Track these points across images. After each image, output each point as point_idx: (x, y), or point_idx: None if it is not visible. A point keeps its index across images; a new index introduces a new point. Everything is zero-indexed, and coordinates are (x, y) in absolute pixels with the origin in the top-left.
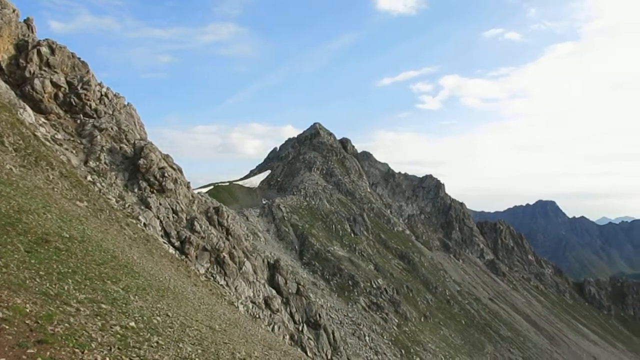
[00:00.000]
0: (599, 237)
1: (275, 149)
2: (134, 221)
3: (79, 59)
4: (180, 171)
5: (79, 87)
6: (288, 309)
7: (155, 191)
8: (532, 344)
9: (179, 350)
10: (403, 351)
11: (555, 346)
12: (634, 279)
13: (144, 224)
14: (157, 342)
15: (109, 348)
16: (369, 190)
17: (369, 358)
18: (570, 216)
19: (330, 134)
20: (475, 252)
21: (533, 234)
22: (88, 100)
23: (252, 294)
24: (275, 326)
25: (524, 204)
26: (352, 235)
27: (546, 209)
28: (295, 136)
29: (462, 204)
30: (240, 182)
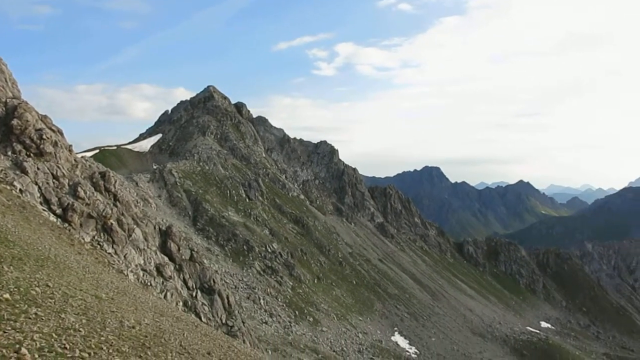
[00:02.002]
0: (477, 200)
1: (166, 111)
2: (8, 187)
3: None
4: (61, 133)
5: None
6: (181, 275)
7: (32, 155)
8: (416, 300)
9: (60, 321)
10: (297, 312)
11: (437, 301)
12: (506, 238)
13: (20, 190)
14: (36, 314)
15: None
16: (264, 155)
17: (263, 320)
18: (453, 181)
19: (225, 98)
20: (366, 215)
21: (419, 198)
22: None
23: (142, 262)
24: (168, 293)
25: (411, 170)
26: (247, 200)
27: (432, 175)
28: (188, 99)
29: (355, 169)
30: (129, 146)
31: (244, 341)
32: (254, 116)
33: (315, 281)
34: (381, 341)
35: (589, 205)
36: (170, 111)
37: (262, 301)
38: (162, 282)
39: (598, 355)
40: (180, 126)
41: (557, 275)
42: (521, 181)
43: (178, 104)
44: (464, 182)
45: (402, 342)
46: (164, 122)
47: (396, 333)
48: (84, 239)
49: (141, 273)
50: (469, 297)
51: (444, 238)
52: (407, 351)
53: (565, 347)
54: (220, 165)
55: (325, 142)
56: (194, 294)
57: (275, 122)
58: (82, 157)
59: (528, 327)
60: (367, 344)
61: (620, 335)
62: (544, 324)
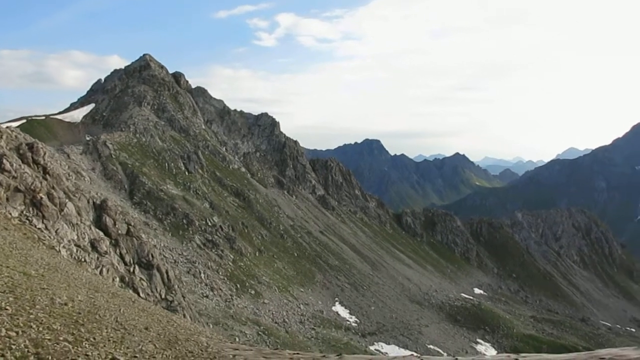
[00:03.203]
0: (415, 172)
1: (99, 80)
2: None
3: None
4: None
5: None
6: (118, 250)
7: None
8: (356, 271)
9: None
10: (239, 285)
11: (376, 271)
12: (442, 209)
13: None
14: None
15: None
16: (203, 127)
17: (204, 294)
18: (393, 154)
19: (162, 67)
20: (307, 188)
21: (360, 170)
22: None
23: (75, 237)
24: (104, 269)
25: (352, 143)
26: (187, 173)
27: (372, 147)
28: (123, 67)
29: (296, 142)
30: (59, 117)
31: (184, 315)
32: (193, 87)
33: (257, 254)
34: (322, 311)
35: (520, 177)
36: (103, 80)
37: (202, 275)
38: (97, 258)
39: (526, 318)
40: (115, 96)
41: (490, 244)
42: (457, 154)
43: (112, 72)
44: (403, 155)
45: (343, 312)
46: (97, 92)
47: (337, 303)
48: (10, 213)
49: (74, 249)
50: (407, 266)
51: (383, 210)
52: (348, 320)
53: (496, 312)
54: (157, 137)
55: (266, 114)
56: (131, 269)
57: (215, 93)
58: (7, 127)
59: (462, 294)
60: (308, 315)
61: (547, 299)
62: (477, 290)
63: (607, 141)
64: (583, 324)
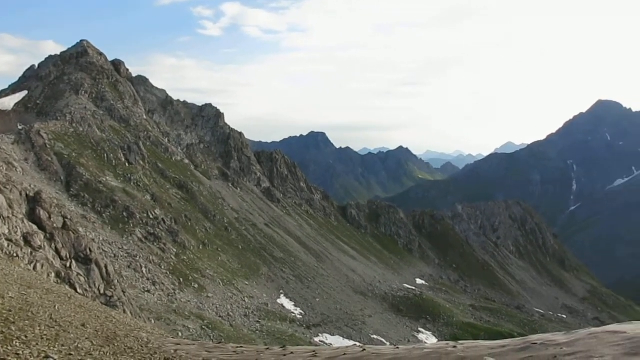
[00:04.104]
0: (360, 165)
1: (33, 66)
2: None
3: None
4: None
5: None
6: (53, 245)
7: None
8: (302, 263)
9: None
10: (182, 279)
11: (321, 263)
12: (386, 201)
13: None
14: None
15: None
16: (145, 117)
17: (146, 289)
18: (338, 146)
19: (101, 54)
20: (252, 180)
21: (306, 162)
22: None
23: (7, 231)
24: (38, 264)
25: (298, 135)
26: (127, 164)
27: (317, 140)
28: (59, 53)
29: (241, 133)
30: None
31: (124, 311)
32: (134, 75)
33: (201, 247)
34: (267, 304)
35: (460, 170)
36: (37, 66)
37: (144, 269)
38: (31, 253)
39: (465, 307)
40: (50, 83)
41: (432, 235)
42: (401, 147)
43: (47, 58)
44: (348, 148)
45: (288, 304)
46: (30, 78)
47: (282, 295)
48: None
49: (6, 243)
50: (351, 258)
51: (328, 202)
52: (293, 312)
53: (437, 301)
54: (96, 127)
55: (210, 105)
56: (67, 265)
57: (158, 82)
58: None
59: (405, 284)
60: (253, 308)
61: (485, 288)
62: (419, 281)
63: (542, 136)
64: (518, 312)
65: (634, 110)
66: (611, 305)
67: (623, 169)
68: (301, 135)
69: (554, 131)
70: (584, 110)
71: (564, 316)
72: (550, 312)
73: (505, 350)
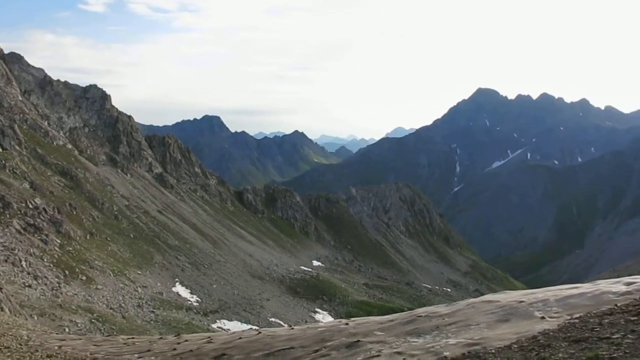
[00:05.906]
0: (256, 149)
1: None
2: None
3: None
4: None
5: None
6: None
7: None
8: (198, 250)
9: None
10: (67, 272)
11: (218, 249)
12: (283, 185)
13: None
14: None
15: None
16: (20, 98)
17: (26, 284)
18: (233, 131)
19: None
20: (143, 166)
21: (200, 147)
22: None
23: None
24: None
25: (191, 119)
26: (1, 150)
27: (212, 124)
28: None
29: (130, 116)
30: None
31: (1, 309)
32: (6, 52)
33: (88, 237)
34: (162, 293)
35: (354, 154)
36: None
37: (24, 263)
38: None
39: (359, 286)
40: None
41: (327, 218)
42: (296, 131)
43: None
44: (243, 132)
45: (184, 292)
46: None
47: (177, 284)
48: None
49: None
50: (248, 243)
51: (224, 187)
52: (189, 300)
53: (333, 281)
54: None
55: (95, 86)
56: None
57: (34, 60)
58: None
59: (302, 267)
60: (147, 298)
61: (378, 267)
62: (315, 263)
63: (429, 122)
64: (408, 287)
65: (509, 98)
66: (489, 277)
67: (500, 152)
68: (195, 119)
69: (439, 117)
70: (466, 97)
71: (449, 290)
72: (437, 287)
73: (394, 324)
